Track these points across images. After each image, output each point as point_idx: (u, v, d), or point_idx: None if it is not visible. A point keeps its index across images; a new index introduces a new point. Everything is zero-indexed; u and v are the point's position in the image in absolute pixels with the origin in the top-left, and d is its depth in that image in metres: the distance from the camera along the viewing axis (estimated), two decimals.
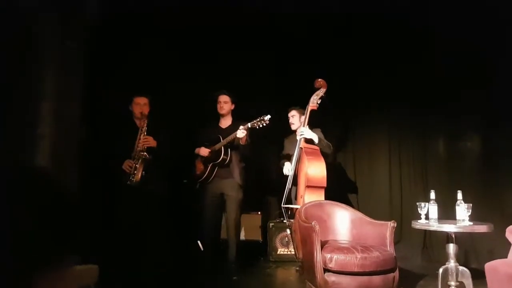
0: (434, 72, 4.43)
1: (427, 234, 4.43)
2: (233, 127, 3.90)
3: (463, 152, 4.39)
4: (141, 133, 3.65)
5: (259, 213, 4.69)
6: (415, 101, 4.60)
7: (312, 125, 3.99)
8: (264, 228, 4.56)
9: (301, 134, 3.87)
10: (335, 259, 2.80)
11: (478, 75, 4.15)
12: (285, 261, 4.30)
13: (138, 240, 3.59)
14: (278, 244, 4.40)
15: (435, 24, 4.29)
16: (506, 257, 3.01)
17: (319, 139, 3.88)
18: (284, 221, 4.27)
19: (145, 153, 3.59)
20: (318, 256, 2.84)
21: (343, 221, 3.35)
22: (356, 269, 2.78)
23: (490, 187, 4.16)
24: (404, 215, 4.54)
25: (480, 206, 3.50)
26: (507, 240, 3.73)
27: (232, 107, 4.10)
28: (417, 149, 4.69)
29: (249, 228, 4.54)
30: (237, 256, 3.95)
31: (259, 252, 4.54)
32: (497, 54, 4.03)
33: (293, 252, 4.29)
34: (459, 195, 3.10)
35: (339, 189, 4.42)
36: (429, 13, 4.25)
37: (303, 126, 3.92)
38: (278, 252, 4.38)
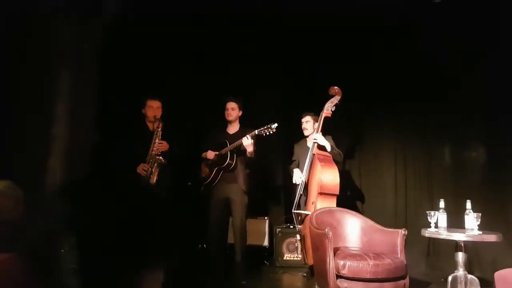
0: (441, 81, 4.48)
1: (431, 242, 4.49)
2: (241, 134, 3.98)
3: (468, 161, 4.45)
4: (156, 137, 3.70)
5: (265, 218, 4.73)
6: (421, 110, 4.65)
7: (324, 132, 4.03)
8: (271, 233, 4.59)
9: (315, 140, 3.92)
10: (348, 266, 2.85)
11: (490, 85, 4.19)
12: (291, 266, 4.34)
13: (146, 240, 3.63)
14: (284, 249, 4.43)
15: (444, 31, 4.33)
16: (510, 266, 3.07)
17: (331, 147, 3.93)
18: (292, 226, 4.33)
19: (160, 157, 3.64)
20: (331, 262, 2.89)
21: (353, 228, 3.40)
22: (368, 276, 2.83)
23: (494, 197, 4.20)
24: (409, 223, 4.59)
25: (484, 215, 3.55)
26: (509, 248, 3.83)
27: (240, 113, 4.17)
28: (422, 158, 4.74)
29: (255, 233, 4.57)
30: (243, 261, 3.99)
31: (264, 257, 4.58)
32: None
33: (299, 258, 4.34)
34: (468, 204, 3.17)
35: (344, 196, 4.47)
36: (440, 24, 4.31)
37: (317, 132, 3.97)
38: (285, 258, 4.42)
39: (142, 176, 3.66)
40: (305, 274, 3.99)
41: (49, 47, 3.21)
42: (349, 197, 4.81)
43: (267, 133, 3.72)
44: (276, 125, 3.67)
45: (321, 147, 3.97)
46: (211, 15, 4.47)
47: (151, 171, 3.67)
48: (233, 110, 4.12)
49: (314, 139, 3.94)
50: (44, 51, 3.20)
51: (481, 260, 4.18)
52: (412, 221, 4.56)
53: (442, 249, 4.33)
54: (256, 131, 3.76)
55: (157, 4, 3.94)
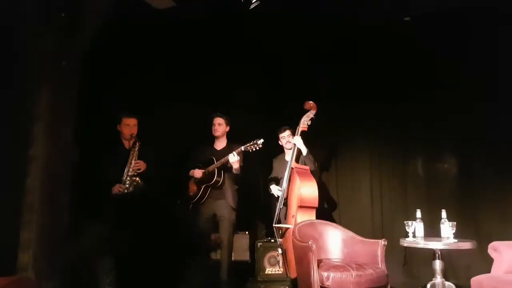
0: (414, 95, 4.67)
1: (407, 252, 4.61)
2: (228, 149, 3.98)
3: (440, 172, 4.63)
4: (132, 157, 3.63)
5: (246, 232, 4.74)
6: (395, 121, 4.82)
7: None
8: (252, 248, 4.60)
9: (293, 142, 4.06)
10: (332, 277, 2.91)
11: (462, 99, 4.39)
12: (273, 280, 4.35)
13: (132, 261, 3.57)
14: (266, 263, 4.45)
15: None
16: (482, 272, 3.22)
17: (307, 152, 4.04)
18: (272, 240, 4.36)
19: (137, 178, 3.58)
20: (315, 274, 2.94)
21: (335, 240, 3.48)
22: (352, 287, 2.89)
23: (465, 206, 4.38)
24: (385, 234, 4.70)
25: (457, 224, 3.69)
26: (483, 256, 3.97)
27: (227, 129, 4.18)
28: (397, 169, 4.89)
29: (238, 248, 4.57)
30: (229, 277, 3.98)
31: (247, 272, 4.58)
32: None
33: (280, 272, 4.36)
34: (443, 214, 3.30)
35: (321, 208, 4.54)
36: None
37: (296, 135, 4.09)
38: (266, 272, 4.43)
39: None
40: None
41: (29, 63, 3.17)
42: (326, 209, 4.89)
43: (254, 149, 3.75)
44: (262, 140, 3.72)
45: (297, 157, 4.08)
46: (187, 31, 4.51)
47: (125, 191, 3.58)
48: (219, 126, 4.13)
49: (293, 141, 4.08)
50: (21, 68, 3.15)
51: (455, 267, 4.32)
52: (388, 231, 4.68)
53: (418, 258, 4.44)
54: (243, 147, 3.79)
55: (133, 18, 3.93)
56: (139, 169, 3.65)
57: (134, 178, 3.60)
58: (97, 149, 3.78)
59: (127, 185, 3.58)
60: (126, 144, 3.77)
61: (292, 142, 4.15)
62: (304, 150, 4.08)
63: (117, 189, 3.59)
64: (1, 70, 3.10)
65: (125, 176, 3.61)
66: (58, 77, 3.32)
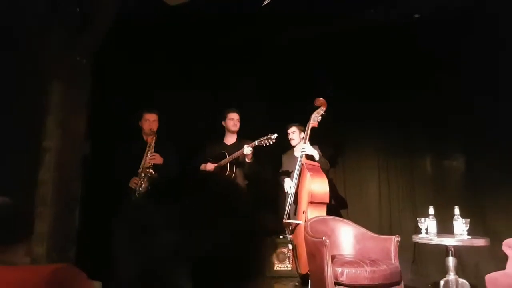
0: (422, 90, 4.65)
1: (416, 249, 4.60)
2: (238, 144, 3.98)
3: (448, 169, 4.61)
4: (148, 150, 3.65)
5: None
6: (402, 118, 4.80)
7: (310, 142, 4.11)
8: None
9: (303, 150, 3.99)
10: (346, 273, 2.90)
11: (469, 96, 4.35)
12: (281, 276, 4.35)
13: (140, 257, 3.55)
14: (274, 259, 4.44)
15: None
16: (492, 269, 3.21)
17: (319, 155, 4.01)
18: (282, 236, 4.35)
19: (151, 170, 3.59)
20: (329, 270, 2.94)
21: (346, 236, 3.47)
22: (366, 282, 2.89)
23: (474, 203, 4.37)
24: (393, 230, 4.70)
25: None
26: (492, 253, 3.97)
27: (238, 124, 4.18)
28: (405, 166, 4.87)
29: None
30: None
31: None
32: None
33: (289, 268, 4.35)
34: (456, 210, 3.29)
35: (329, 204, 4.53)
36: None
37: (304, 142, 4.04)
38: (275, 268, 4.43)
39: (132, 190, 3.58)
40: (296, 284, 4.02)
41: (38, 59, 3.17)
42: (334, 206, 4.87)
43: (267, 144, 3.73)
44: (276, 135, 3.70)
45: (310, 157, 4.04)
46: (201, 30, 4.49)
47: (141, 184, 3.59)
48: (238, 121, 4.15)
49: (302, 149, 4.03)
50: (35, 63, 3.15)
51: (464, 265, 4.31)
52: (395, 228, 4.66)
53: (426, 256, 4.44)
54: (256, 142, 3.77)
55: (151, 15, 3.92)
56: (155, 161, 3.66)
57: (148, 170, 3.60)
58: (109, 143, 3.78)
59: (142, 177, 3.59)
60: (146, 138, 3.80)
61: (299, 148, 4.11)
62: (316, 155, 4.04)
63: (133, 182, 3.60)
64: (15, 65, 3.10)
65: (141, 169, 3.63)
66: (71, 72, 3.33)
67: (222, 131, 4.21)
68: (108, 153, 3.67)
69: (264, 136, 3.74)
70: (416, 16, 4.61)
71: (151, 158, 3.63)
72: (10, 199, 1.10)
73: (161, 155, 3.67)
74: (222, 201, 0.60)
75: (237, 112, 4.15)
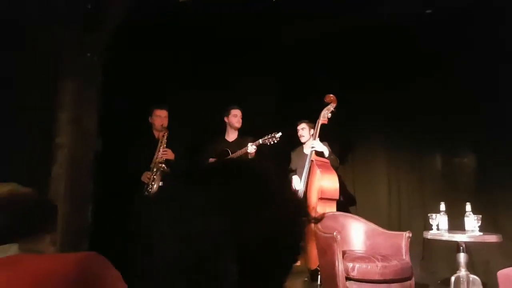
0: (428, 89, 4.63)
1: (425, 246, 4.58)
2: (240, 141, 3.99)
3: (457, 166, 4.59)
4: (160, 145, 3.69)
5: None
6: (411, 114, 4.77)
7: (320, 138, 4.10)
8: None
9: (312, 147, 3.99)
10: (357, 268, 2.91)
11: (479, 93, 4.33)
12: (291, 272, 4.34)
13: (151, 251, 3.57)
14: None
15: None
16: (502, 266, 3.19)
17: (329, 152, 4.01)
18: None
19: (163, 165, 3.63)
20: (340, 265, 2.94)
21: (357, 232, 3.47)
22: (377, 277, 2.90)
23: (483, 200, 4.33)
24: (402, 227, 4.68)
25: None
26: (502, 250, 3.95)
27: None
28: (414, 163, 4.86)
29: None
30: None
31: None
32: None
33: (298, 263, 4.34)
34: (468, 207, 3.28)
35: (338, 201, 4.53)
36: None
37: (314, 139, 4.04)
38: None
39: (145, 184, 3.63)
40: (306, 279, 4.01)
41: (54, 56, 3.19)
42: (343, 202, 4.86)
43: (271, 142, 3.74)
44: (280, 134, 3.71)
45: (319, 153, 4.04)
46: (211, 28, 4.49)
47: (154, 178, 3.64)
48: (241, 118, 4.15)
49: (312, 146, 4.02)
50: (48, 60, 3.18)
51: (473, 261, 4.29)
52: (404, 225, 4.65)
53: (436, 252, 4.42)
54: (261, 140, 3.78)
55: (161, 11, 3.93)
56: (167, 156, 3.71)
57: (160, 165, 3.64)
58: (120, 140, 3.80)
59: (154, 172, 3.63)
60: (157, 135, 3.84)
61: (309, 144, 4.12)
62: (326, 152, 4.05)
63: (145, 176, 3.65)
64: (28, 63, 3.12)
65: (153, 164, 3.67)
66: (82, 69, 3.35)
67: (222, 128, 4.22)
68: (120, 150, 3.69)
69: (268, 135, 3.75)
70: (428, 11, 4.59)
71: (163, 153, 3.67)
72: (35, 190, 1.11)
73: (173, 151, 3.70)
74: (264, 187, 0.61)
75: (239, 109, 4.16)
